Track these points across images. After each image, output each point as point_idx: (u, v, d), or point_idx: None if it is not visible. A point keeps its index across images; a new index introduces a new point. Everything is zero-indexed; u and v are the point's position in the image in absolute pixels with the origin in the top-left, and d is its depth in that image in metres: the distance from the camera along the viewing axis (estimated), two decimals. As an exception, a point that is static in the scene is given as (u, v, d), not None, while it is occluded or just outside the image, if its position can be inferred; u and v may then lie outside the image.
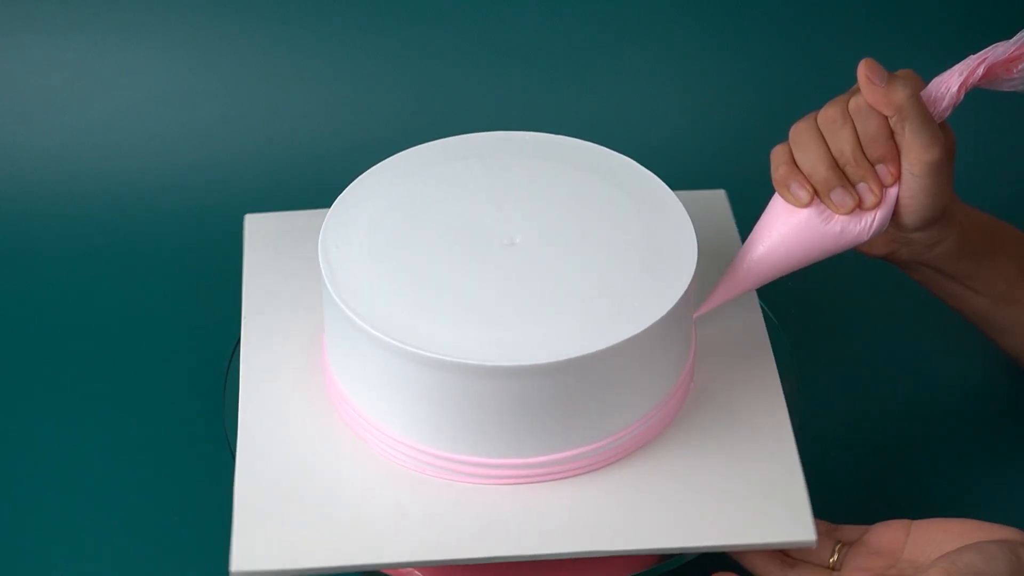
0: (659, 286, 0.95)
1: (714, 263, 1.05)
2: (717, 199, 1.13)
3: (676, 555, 0.96)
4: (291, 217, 1.13)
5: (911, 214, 0.98)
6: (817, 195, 0.97)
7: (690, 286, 0.96)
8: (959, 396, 1.18)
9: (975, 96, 1.03)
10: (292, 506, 0.96)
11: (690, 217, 0.99)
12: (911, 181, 0.97)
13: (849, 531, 0.99)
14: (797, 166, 0.97)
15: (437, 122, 1.33)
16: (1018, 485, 1.11)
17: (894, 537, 0.97)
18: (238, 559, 0.93)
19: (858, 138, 0.96)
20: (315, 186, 1.31)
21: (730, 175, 1.29)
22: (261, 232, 1.12)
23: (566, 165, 1.03)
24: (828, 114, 0.96)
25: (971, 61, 0.95)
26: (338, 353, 0.98)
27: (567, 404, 0.94)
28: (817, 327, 1.21)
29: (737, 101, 1.35)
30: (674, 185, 1.02)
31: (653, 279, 0.96)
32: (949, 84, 0.95)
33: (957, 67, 0.95)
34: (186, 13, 1.33)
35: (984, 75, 0.95)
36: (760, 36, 1.35)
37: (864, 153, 0.96)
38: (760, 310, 1.06)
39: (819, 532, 0.99)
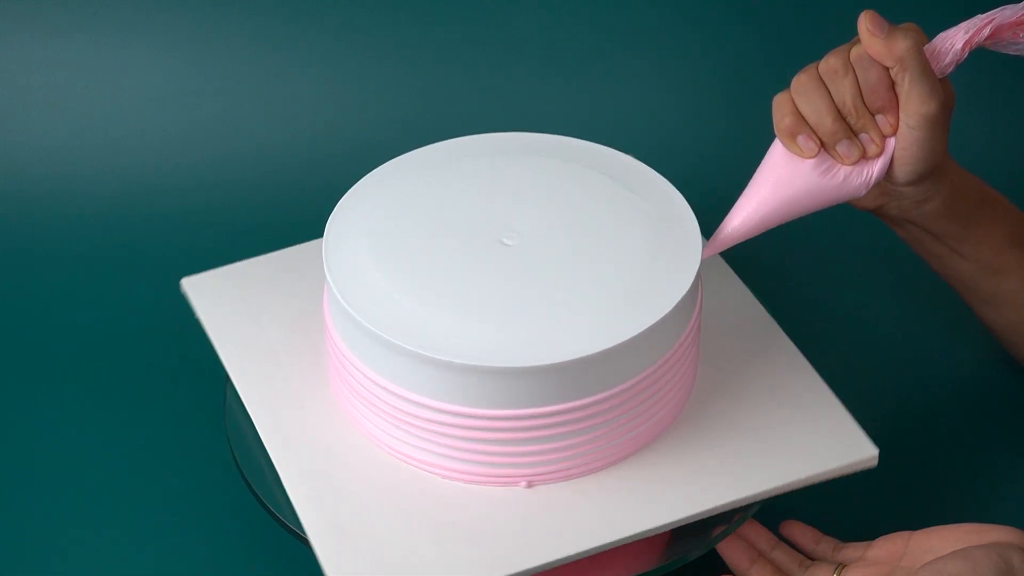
0: (664, 284, 0.95)
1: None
2: None
3: (677, 558, 0.96)
4: (227, 273, 1.10)
5: (904, 166, 0.98)
6: (823, 146, 0.97)
7: (695, 282, 0.96)
8: (956, 391, 1.18)
9: (978, 68, 1.03)
10: (363, 524, 0.95)
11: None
12: (906, 133, 0.97)
13: (853, 550, 0.99)
14: (802, 116, 0.97)
15: (437, 122, 1.34)
16: (1018, 481, 1.11)
17: (893, 549, 0.97)
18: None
19: (859, 88, 0.96)
20: (315, 186, 1.31)
21: (730, 174, 1.29)
22: (205, 291, 1.09)
23: (570, 164, 1.03)
24: (830, 63, 0.96)
25: (978, 20, 0.95)
26: (341, 355, 0.98)
27: (577, 400, 0.93)
28: (814, 325, 1.21)
29: (736, 101, 1.35)
30: (674, 183, 1.03)
31: (658, 277, 0.95)
32: (954, 40, 0.96)
33: (964, 24, 0.96)
34: (186, 13, 1.34)
35: (990, 35, 0.95)
36: (760, 37, 1.36)
37: (864, 103, 0.96)
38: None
39: (824, 553, 1.00)
